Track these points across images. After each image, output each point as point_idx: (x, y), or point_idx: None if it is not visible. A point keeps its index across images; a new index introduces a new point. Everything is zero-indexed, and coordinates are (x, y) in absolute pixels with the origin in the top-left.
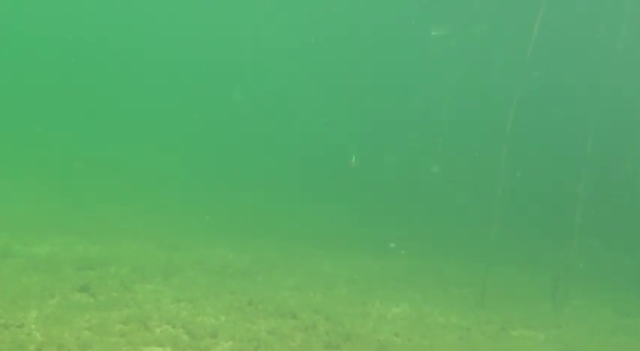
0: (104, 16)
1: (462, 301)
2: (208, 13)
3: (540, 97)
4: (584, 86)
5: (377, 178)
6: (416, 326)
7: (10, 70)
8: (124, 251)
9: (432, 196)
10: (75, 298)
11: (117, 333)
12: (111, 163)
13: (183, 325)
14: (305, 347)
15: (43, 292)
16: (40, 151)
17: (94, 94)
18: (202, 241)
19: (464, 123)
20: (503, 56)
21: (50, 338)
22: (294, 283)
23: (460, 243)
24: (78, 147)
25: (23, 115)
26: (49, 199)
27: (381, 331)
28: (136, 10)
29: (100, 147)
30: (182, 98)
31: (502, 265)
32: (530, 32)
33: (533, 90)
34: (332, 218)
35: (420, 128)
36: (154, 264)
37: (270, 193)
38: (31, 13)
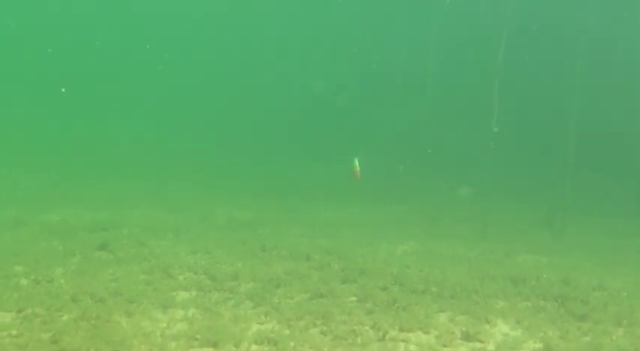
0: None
1: (466, 235)
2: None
3: (530, 35)
4: (572, 26)
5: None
6: (425, 259)
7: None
8: (132, 215)
9: (423, 140)
10: (95, 256)
11: (142, 282)
12: (107, 139)
13: (204, 272)
14: (323, 283)
15: (64, 252)
16: (38, 133)
17: (93, 76)
18: (205, 201)
19: (454, 62)
20: None
21: (81, 289)
22: (301, 231)
23: (456, 182)
24: (72, 125)
25: (19, 96)
26: (49, 176)
27: (392, 265)
28: None
29: (93, 124)
30: (175, 71)
31: (500, 200)
32: None
33: (521, 28)
34: (329, 175)
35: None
36: (163, 224)
37: (267, 156)
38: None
